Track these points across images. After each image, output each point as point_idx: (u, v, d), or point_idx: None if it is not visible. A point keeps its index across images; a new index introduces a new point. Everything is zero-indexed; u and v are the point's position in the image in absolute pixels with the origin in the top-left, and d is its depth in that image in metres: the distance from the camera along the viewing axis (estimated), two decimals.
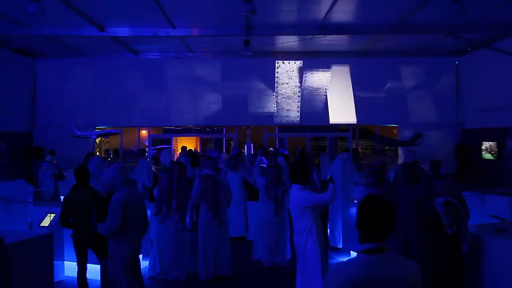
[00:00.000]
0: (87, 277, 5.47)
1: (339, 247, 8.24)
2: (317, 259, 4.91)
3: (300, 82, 16.07)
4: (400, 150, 15.36)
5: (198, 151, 17.29)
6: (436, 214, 4.66)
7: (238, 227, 9.11)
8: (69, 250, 6.05)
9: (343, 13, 11.09)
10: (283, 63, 16.05)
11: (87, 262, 5.44)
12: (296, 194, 4.99)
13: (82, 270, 5.41)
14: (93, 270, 5.75)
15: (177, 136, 21.25)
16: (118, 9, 10.93)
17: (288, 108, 16.27)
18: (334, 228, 8.45)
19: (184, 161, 9.01)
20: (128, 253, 4.87)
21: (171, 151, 11.57)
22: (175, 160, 10.01)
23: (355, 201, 7.26)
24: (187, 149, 14.18)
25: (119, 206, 4.69)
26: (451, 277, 4.64)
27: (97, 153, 14.95)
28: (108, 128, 16.74)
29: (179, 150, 14.82)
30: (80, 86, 15.94)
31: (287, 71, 16.09)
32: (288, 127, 17.49)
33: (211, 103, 16.33)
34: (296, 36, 13.31)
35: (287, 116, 16.31)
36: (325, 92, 16.13)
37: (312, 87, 16.17)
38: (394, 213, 2.35)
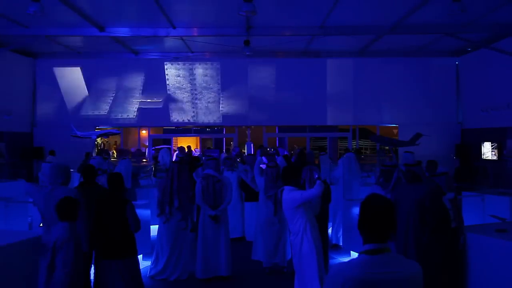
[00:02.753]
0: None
1: (340, 244, 8.24)
2: (313, 258, 4.90)
3: (300, 82, 16.06)
4: (399, 150, 15.36)
5: (196, 150, 17.24)
6: (444, 209, 4.88)
7: (235, 227, 9.07)
8: None
9: (343, 13, 11.08)
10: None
11: (92, 262, 5.40)
12: (287, 195, 5.00)
13: (86, 269, 5.38)
14: None
15: (177, 136, 21.26)
16: (118, 9, 10.94)
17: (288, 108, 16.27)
18: (336, 228, 8.47)
19: None
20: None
21: (168, 151, 11.52)
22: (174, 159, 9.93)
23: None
24: (184, 147, 13.91)
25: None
26: (451, 273, 4.69)
27: (96, 153, 14.97)
28: (108, 128, 16.75)
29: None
30: (80, 86, 15.94)
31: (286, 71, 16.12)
32: (288, 127, 17.49)
33: (211, 103, 16.34)
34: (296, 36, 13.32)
35: (288, 117, 16.32)
36: (325, 91, 16.16)
37: (312, 87, 16.19)
38: (395, 214, 2.33)
